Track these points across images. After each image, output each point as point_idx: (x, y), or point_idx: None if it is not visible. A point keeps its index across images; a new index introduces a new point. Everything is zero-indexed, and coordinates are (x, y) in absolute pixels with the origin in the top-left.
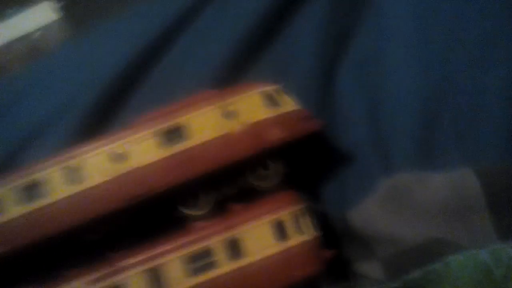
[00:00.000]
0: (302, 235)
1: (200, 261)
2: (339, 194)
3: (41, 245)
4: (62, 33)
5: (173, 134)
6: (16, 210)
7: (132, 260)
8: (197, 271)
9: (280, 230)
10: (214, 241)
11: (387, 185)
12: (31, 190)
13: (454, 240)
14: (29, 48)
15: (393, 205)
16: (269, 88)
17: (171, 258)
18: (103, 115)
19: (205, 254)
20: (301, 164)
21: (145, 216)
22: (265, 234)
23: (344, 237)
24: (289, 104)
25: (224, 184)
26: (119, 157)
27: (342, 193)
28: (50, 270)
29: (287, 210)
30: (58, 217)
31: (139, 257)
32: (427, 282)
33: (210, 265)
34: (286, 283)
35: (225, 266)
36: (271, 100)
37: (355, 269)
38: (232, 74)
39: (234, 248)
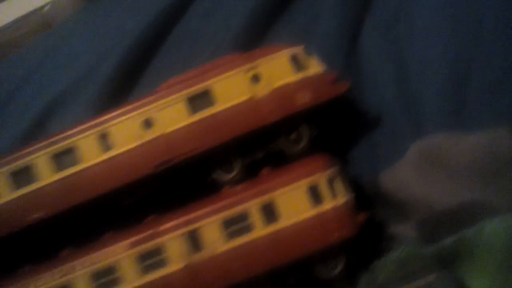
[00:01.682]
0: (336, 198)
1: (236, 224)
2: (370, 157)
3: (76, 210)
4: (72, 6)
5: (200, 98)
6: (49, 176)
7: (169, 224)
8: (233, 235)
9: (315, 194)
10: (249, 204)
11: (419, 147)
12: (63, 157)
13: (489, 203)
14: (40, 22)
15: (426, 167)
16: (295, 50)
17: (207, 221)
18: (125, 81)
19: (241, 217)
20: (330, 128)
21: (179, 182)
22: (300, 198)
23: (377, 200)
24: (315, 67)
25: (254, 149)
26: (148, 123)
27: (373, 156)
28: (88, 235)
29: (321, 173)
30: (91, 183)
31: (176, 221)
32: (461, 249)
33: (246, 229)
34: (321, 246)
35: (260, 230)
36: (297, 63)
37: (389, 231)
38: (253, 37)
39: (269, 212)
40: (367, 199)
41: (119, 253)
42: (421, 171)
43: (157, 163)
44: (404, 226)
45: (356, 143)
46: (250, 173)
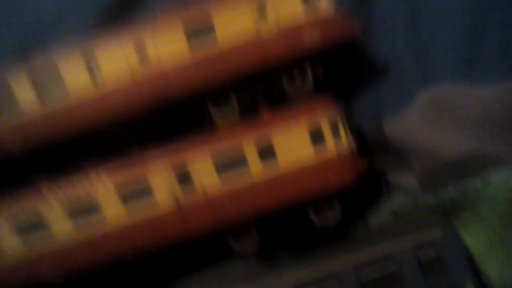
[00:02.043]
0: (339, 141)
1: (232, 164)
2: (375, 104)
3: (61, 142)
4: None
5: (203, 32)
6: (35, 108)
7: (160, 156)
8: (228, 175)
9: (318, 136)
10: (247, 143)
11: (429, 95)
12: (48, 87)
13: (498, 155)
14: None
15: (435, 116)
16: None
17: (200, 157)
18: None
19: (237, 157)
20: (336, 71)
21: (175, 118)
22: (301, 139)
23: (380, 148)
24: (326, 7)
25: (256, 87)
26: (142, 52)
27: (378, 103)
28: (76, 164)
29: (325, 115)
30: (80, 115)
31: (167, 154)
32: (464, 200)
33: (242, 169)
34: (321, 190)
35: (258, 171)
36: (307, 1)
37: (389, 180)
38: None
39: (268, 153)
40: (370, 147)
41: (101, 187)
42: (429, 118)
43: (150, 95)
44: (405, 176)
45: (361, 89)
46: (249, 113)
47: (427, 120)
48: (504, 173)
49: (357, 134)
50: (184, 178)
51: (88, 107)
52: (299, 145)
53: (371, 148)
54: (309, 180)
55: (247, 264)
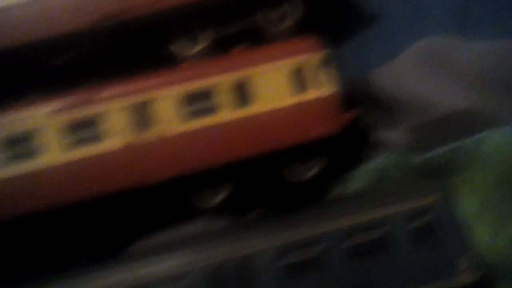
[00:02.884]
0: (321, 87)
1: (198, 102)
2: (363, 55)
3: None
4: None
5: None
6: None
7: (112, 92)
8: (192, 114)
9: (298, 78)
10: (216, 81)
11: (421, 47)
12: None
13: (492, 114)
14: None
15: (427, 68)
16: None
17: (162, 94)
18: None
19: (204, 95)
20: (321, 13)
21: (128, 50)
22: (279, 81)
23: (367, 102)
24: None
25: (227, 21)
26: None
27: (367, 55)
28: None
29: (308, 56)
30: (19, 26)
31: (122, 89)
32: (455, 161)
33: (210, 109)
34: (298, 140)
35: (227, 113)
36: None
37: (374, 137)
38: None
39: (240, 93)
40: (356, 101)
41: (43, 118)
42: (421, 70)
43: (101, 15)
44: (392, 134)
45: (349, 39)
46: (219, 51)
47: (418, 73)
48: (498, 133)
49: (343, 86)
50: (142, 115)
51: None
52: (277, 86)
53: (357, 102)
54: (286, 127)
55: (210, 223)
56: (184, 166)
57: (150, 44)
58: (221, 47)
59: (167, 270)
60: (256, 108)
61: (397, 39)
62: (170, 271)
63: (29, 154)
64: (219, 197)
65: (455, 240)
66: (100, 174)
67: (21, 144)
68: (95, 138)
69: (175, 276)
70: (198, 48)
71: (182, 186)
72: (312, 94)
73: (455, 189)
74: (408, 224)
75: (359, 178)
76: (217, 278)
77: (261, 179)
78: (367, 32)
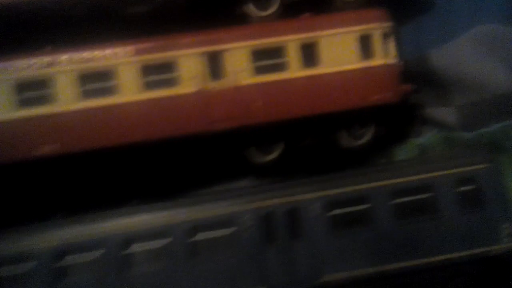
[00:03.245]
0: (387, 57)
1: (267, 58)
2: (422, 37)
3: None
4: None
5: None
6: None
7: (188, 39)
8: (262, 69)
9: (364, 45)
10: (286, 39)
11: (479, 31)
12: None
13: None
14: None
15: (484, 51)
16: None
17: (234, 46)
18: None
19: (274, 52)
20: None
21: (207, 7)
22: (348, 45)
23: (423, 79)
24: None
25: None
26: None
27: (425, 37)
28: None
29: (378, 24)
30: None
31: (199, 38)
32: (506, 138)
33: (278, 66)
34: (358, 104)
35: (295, 71)
36: None
37: (427, 113)
38: None
39: (309, 53)
40: (413, 76)
41: (123, 58)
42: (478, 52)
43: None
44: (445, 110)
45: (407, 22)
46: (289, 16)
47: (475, 54)
48: None
49: (403, 61)
50: (215, 65)
51: None
52: (345, 50)
53: (415, 78)
54: (350, 90)
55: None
56: (251, 117)
57: (226, 2)
58: (292, 13)
59: (217, 215)
60: (322, 69)
61: (454, 25)
62: (219, 216)
63: (107, 90)
64: (273, 154)
65: (499, 207)
66: (171, 116)
67: (100, 80)
68: (170, 81)
69: (225, 221)
70: (270, 10)
71: (242, 138)
72: (375, 61)
73: (502, 167)
74: (455, 188)
75: (408, 151)
76: (267, 224)
77: (316, 141)
78: (425, 15)
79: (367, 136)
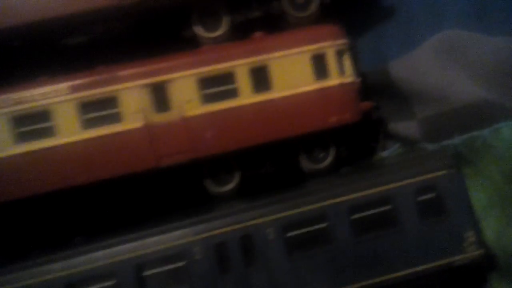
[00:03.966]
0: (343, 76)
1: (217, 85)
2: (381, 47)
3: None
4: None
5: None
6: None
7: (133, 71)
8: (211, 98)
9: (318, 65)
10: (236, 64)
11: (439, 40)
12: None
13: (507, 107)
14: None
15: (445, 60)
16: None
17: (181, 75)
18: None
19: (224, 78)
20: (342, 10)
21: (154, 33)
22: (301, 66)
23: (383, 93)
24: None
25: (249, 5)
26: None
27: (385, 47)
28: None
29: (331, 42)
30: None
31: (140, 69)
32: (467, 153)
33: (229, 93)
34: (317, 127)
35: (247, 97)
36: None
37: (390, 127)
38: None
39: (261, 77)
40: (373, 90)
41: (57, 95)
42: (439, 62)
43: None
44: (406, 125)
45: (366, 31)
46: (240, 36)
47: (436, 64)
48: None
49: (361, 76)
50: (160, 96)
51: None
52: (299, 71)
53: (375, 92)
54: (306, 113)
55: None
56: (202, 149)
57: (171, 25)
58: (242, 32)
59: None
60: (276, 93)
61: (415, 32)
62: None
63: (46, 131)
64: (231, 185)
65: (462, 215)
66: (115, 154)
67: (38, 121)
68: (114, 117)
69: (179, 252)
70: (219, 31)
71: (195, 171)
72: (331, 81)
73: (467, 178)
74: (416, 198)
75: (364, 168)
76: (221, 252)
77: (275, 168)
78: (385, 23)
79: (329, 158)
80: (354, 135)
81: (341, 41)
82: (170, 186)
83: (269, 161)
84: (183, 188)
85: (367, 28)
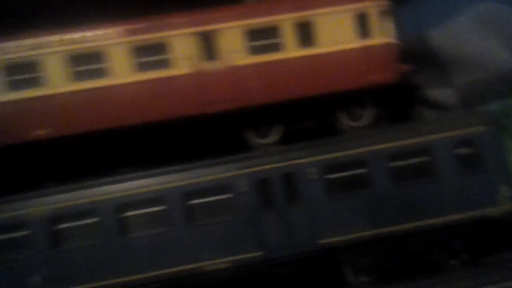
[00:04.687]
0: (384, 36)
1: (262, 38)
2: (422, 13)
3: None
4: None
5: None
6: None
7: (183, 19)
8: (257, 49)
9: (362, 23)
10: (281, 18)
11: (479, 9)
12: None
13: None
14: None
15: (483, 29)
16: None
17: (228, 25)
18: None
19: (269, 31)
20: None
21: None
22: (344, 24)
23: (421, 59)
24: None
25: None
26: None
27: (425, 13)
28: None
29: (373, 3)
30: None
31: (192, 18)
32: (504, 115)
33: (273, 46)
34: (356, 84)
35: (291, 51)
36: None
37: (427, 94)
38: None
39: (304, 33)
40: (412, 55)
41: (110, 38)
42: (477, 31)
43: None
44: (444, 91)
45: (404, 2)
46: None
47: (475, 32)
48: None
49: (402, 40)
50: (209, 45)
51: None
52: (341, 29)
53: (414, 58)
54: (347, 70)
55: None
56: (246, 99)
57: None
58: None
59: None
60: (319, 48)
61: (454, 2)
62: (219, 180)
63: (99, 72)
64: (272, 137)
65: (498, 170)
66: (165, 98)
67: (92, 62)
68: (163, 62)
69: (225, 184)
70: None
71: (238, 120)
72: (373, 41)
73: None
74: (454, 150)
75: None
76: (265, 187)
77: (315, 123)
78: None
79: (366, 117)
80: (392, 98)
81: (384, 2)
82: (212, 134)
83: (310, 116)
84: (224, 138)
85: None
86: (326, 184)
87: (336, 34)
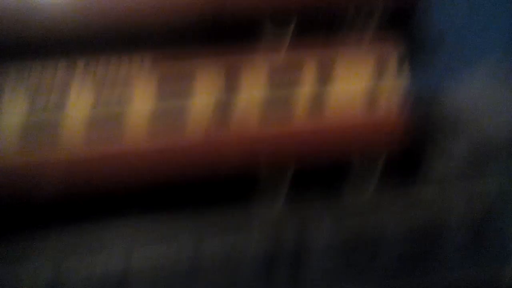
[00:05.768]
0: (393, 101)
1: (285, 80)
2: (432, 71)
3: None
4: None
5: None
6: None
7: (209, 56)
8: (277, 91)
9: (381, 72)
10: (304, 56)
11: (489, 67)
12: None
13: None
14: None
15: (496, 88)
16: None
17: (253, 65)
18: None
19: (293, 73)
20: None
21: (229, 32)
22: (364, 72)
23: (433, 120)
24: None
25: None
26: None
27: (436, 70)
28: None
29: (393, 52)
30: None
31: (218, 55)
32: None
33: (294, 82)
34: (363, 154)
35: (309, 87)
36: None
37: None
38: None
39: (326, 78)
40: (422, 118)
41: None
42: (491, 91)
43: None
44: (453, 153)
45: (414, 61)
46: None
47: (486, 94)
48: None
49: (412, 102)
50: (231, 82)
51: None
52: (358, 78)
53: (424, 121)
54: (354, 136)
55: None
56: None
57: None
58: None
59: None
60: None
61: (464, 60)
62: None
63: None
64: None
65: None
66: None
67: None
68: (185, 100)
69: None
70: (288, 33)
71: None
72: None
73: None
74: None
75: None
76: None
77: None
78: (435, 51)
79: (371, 181)
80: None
81: (402, 52)
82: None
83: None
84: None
85: (417, 57)
86: None
87: (353, 83)
